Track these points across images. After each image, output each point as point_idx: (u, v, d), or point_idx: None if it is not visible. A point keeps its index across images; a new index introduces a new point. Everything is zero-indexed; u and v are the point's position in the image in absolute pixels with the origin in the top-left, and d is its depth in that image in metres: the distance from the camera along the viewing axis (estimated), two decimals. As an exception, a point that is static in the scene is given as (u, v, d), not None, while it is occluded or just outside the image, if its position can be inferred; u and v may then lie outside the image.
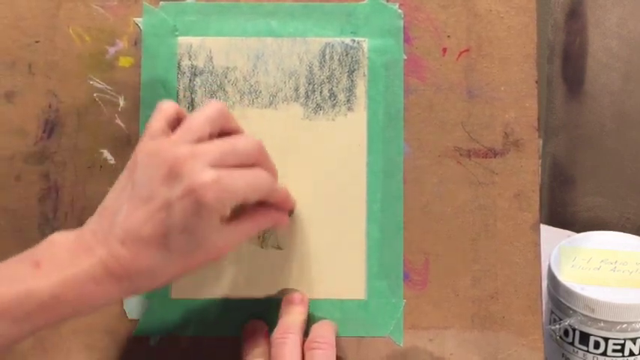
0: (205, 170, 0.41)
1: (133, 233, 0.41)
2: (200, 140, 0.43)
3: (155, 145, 0.43)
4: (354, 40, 0.52)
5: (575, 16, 0.78)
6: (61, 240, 0.42)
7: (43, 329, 0.41)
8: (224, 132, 0.45)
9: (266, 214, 0.46)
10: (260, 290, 0.51)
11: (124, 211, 0.41)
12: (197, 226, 0.41)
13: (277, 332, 0.46)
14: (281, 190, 0.48)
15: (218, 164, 0.42)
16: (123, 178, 0.43)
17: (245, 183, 0.42)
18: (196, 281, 0.51)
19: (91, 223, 0.43)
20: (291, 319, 0.48)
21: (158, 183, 0.41)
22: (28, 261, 0.41)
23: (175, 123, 0.44)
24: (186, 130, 0.43)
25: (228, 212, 0.42)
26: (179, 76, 0.52)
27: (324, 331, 0.47)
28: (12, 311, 0.39)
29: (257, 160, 0.44)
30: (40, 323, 0.40)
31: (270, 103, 0.52)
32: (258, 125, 0.51)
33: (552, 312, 0.55)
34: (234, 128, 0.46)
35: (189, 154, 0.41)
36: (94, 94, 0.52)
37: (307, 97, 0.52)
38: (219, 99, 0.51)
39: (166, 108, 0.45)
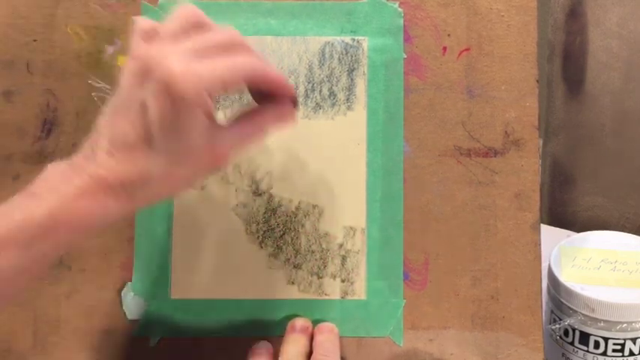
0: (176, 62, 0.39)
1: (117, 142, 0.40)
2: (173, 40, 0.41)
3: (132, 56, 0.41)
4: (353, 39, 0.52)
5: (575, 15, 0.78)
6: (52, 169, 0.41)
7: (51, 255, 0.40)
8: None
9: (265, 111, 0.44)
10: (260, 291, 0.51)
11: (106, 123, 0.40)
12: (179, 123, 0.39)
13: None
14: (272, 71, 0.43)
15: (193, 57, 0.40)
16: (109, 100, 0.42)
17: (222, 68, 0.40)
18: (196, 282, 0.51)
19: (82, 147, 0.42)
20: (293, 348, 0.48)
21: (133, 87, 0.40)
22: (23, 193, 0.40)
23: (153, 37, 0.42)
24: (158, 35, 0.41)
25: (209, 104, 0.40)
26: (178, 75, 0.52)
27: (329, 345, 0.48)
28: (14, 238, 0.38)
29: (236, 46, 0.41)
30: (44, 248, 0.39)
31: (270, 103, 0.51)
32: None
33: (552, 312, 0.54)
34: (210, 26, 0.43)
35: (159, 51, 0.39)
36: (93, 94, 0.52)
37: (307, 96, 0.52)
38: (218, 98, 0.51)
39: (139, 23, 0.42)
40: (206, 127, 0.40)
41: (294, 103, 0.45)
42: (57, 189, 0.39)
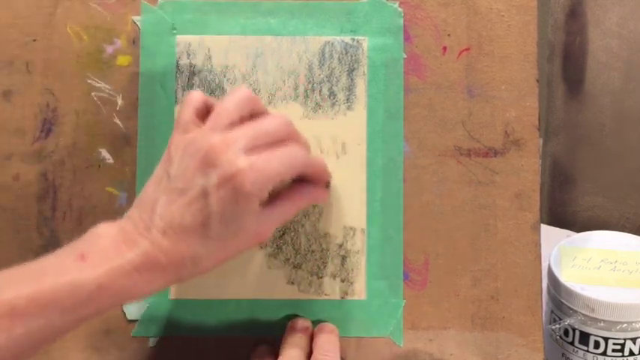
0: (240, 157, 0.41)
1: (173, 224, 0.41)
2: (231, 126, 0.43)
3: (187, 136, 0.43)
4: (353, 39, 0.52)
5: (575, 15, 0.78)
6: (104, 232, 0.42)
7: (88, 319, 0.41)
8: (252, 115, 0.45)
9: (303, 192, 0.46)
10: (259, 291, 0.51)
11: (163, 202, 0.42)
12: (236, 213, 0.41)
13: None
14: (317, 161, 0.48)
15: (251, 148, 0.42)
16: (158, 172, 0.44)
17: (279, 163, 0.42)
18: (195, 282, 0.51)
19: (131, 215, 0.43)
20: (293, 348, 0.48)
21: (194, 173, 0.41)
22: (72, 254, 0.41)
23: (204, 112, 0.45)
24: (216, 118, 0.43)
25: (266, 196, 0.42)
26: (177, 74, 0.52)
27: (329, 346, 0.48)
28: (60, 302, 0.39)
29: (288, 135, 0.44)
30: (85, 313, 0.40)
31: (269, 102, 0.51)
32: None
33: (552, 312, 0.54)
34: (261, 110, 0.45)
35: (222, 142, 0.41)
36: (92, 93, 0.52)
37: (306, 96, 0.52)
38: (218, 98, 0.51)
39: (193, 99, 0.45)
40: (258, 214, 0.42)
41: (328, 184, 0.49)
42: (108, 259, 0.40)
